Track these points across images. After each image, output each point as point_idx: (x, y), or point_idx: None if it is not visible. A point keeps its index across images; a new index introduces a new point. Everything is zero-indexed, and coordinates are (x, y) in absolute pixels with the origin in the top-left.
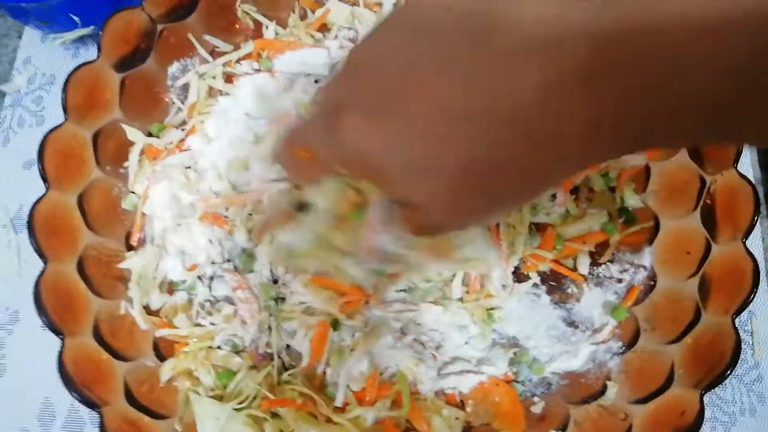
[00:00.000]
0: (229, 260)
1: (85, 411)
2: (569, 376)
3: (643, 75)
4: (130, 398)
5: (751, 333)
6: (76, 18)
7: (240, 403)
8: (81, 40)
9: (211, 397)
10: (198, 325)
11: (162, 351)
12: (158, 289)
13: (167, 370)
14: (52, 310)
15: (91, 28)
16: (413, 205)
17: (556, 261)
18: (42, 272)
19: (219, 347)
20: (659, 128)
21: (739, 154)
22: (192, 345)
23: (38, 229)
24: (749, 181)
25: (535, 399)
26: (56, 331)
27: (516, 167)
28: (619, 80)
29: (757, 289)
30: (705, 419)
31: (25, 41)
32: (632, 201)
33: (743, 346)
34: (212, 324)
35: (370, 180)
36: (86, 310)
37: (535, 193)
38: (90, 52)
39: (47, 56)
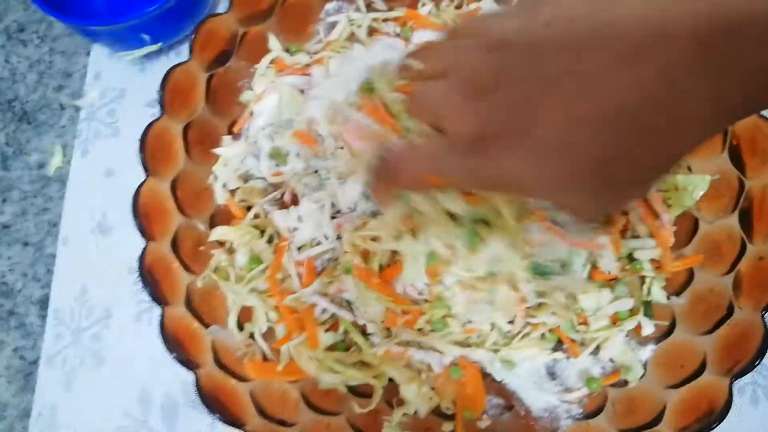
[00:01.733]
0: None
1: (178, 393)
2: (524, 413)
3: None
4: (218, 362)
5: None
6: (145, 36)
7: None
8: (146, 55)
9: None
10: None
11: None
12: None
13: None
14: (153, 284)
15: (159, 44)
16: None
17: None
18: (143, 252)
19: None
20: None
21: None
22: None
23: (141, 212)
24: None
25: (484, 416)
26: (158, 301)
27: (646, 156)
28: (727, 63)
29: None
30: None
31: (93, 58)
32: (658, 296)
33: None
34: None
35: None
36: (179, 283)
37: (664, 172)
38: (156, 66)
39: (116, 71)
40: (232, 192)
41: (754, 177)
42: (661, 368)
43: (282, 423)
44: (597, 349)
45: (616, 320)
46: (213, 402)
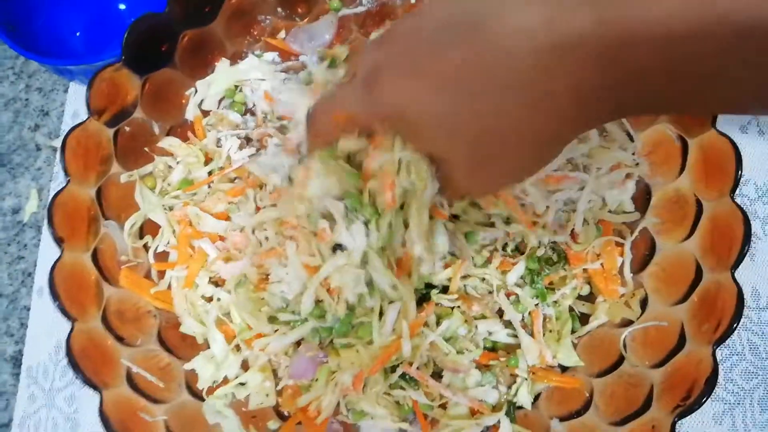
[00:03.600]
0: None
1: None
2: None
3: (624, 66)
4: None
5: None
6: None
7: None
8: None
9: None
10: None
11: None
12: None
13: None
14: (66, 296)
15: None
16: (440, 159)
17: None
18: (57, 260)
19: None
20: (639, 103)
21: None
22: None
23: (57, 220)
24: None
25: None
26: (67, 316)
27: (522, 128)
28: (600, 66)
29: (749, 241)
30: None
31: (71, 95)
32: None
33: None
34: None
35: (402, 135)
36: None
37: (540, 158)
38: None
39: None
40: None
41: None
42: None
43: None
44: None
45: (475, 411)
46: None
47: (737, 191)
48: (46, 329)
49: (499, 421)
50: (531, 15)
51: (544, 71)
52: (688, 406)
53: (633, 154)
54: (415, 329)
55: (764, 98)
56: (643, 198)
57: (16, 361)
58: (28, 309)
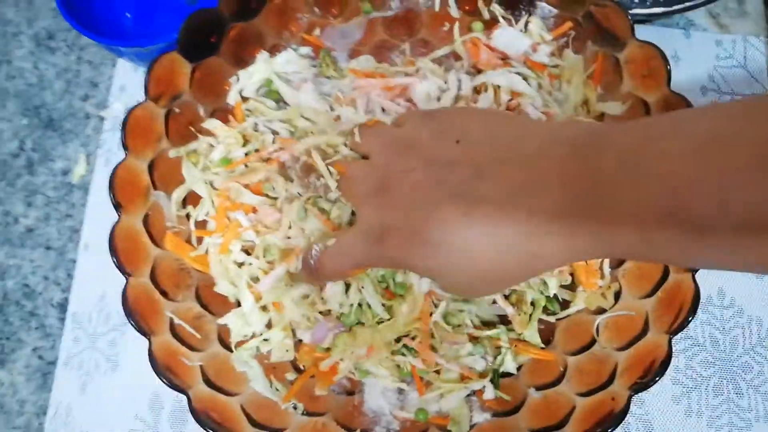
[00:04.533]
0: None
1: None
2: (357, 403)
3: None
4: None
5: None
6: None
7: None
8: None
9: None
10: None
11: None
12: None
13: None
14: (122, 254)
15: None
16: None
17: None
18: (116, 223)
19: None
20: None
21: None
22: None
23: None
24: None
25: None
26: (123, 271)
27: (509, 276)
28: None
29: None
30: (723, 424)
31: (119, 70)
32: (509, 366)
33: (761, 359)
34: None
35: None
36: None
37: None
38: None
39: (140, 85)
40: (244, 99)
41: None
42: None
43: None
44: (441, 396)
45: (465, 377)
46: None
47: None
48: (91, 281)
49: (484, 387)
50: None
51: (528, 241)
52: (643, 384)
53: None
54: (426, 320)
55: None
56: None
57: (62, 307)
58: (74, 262)
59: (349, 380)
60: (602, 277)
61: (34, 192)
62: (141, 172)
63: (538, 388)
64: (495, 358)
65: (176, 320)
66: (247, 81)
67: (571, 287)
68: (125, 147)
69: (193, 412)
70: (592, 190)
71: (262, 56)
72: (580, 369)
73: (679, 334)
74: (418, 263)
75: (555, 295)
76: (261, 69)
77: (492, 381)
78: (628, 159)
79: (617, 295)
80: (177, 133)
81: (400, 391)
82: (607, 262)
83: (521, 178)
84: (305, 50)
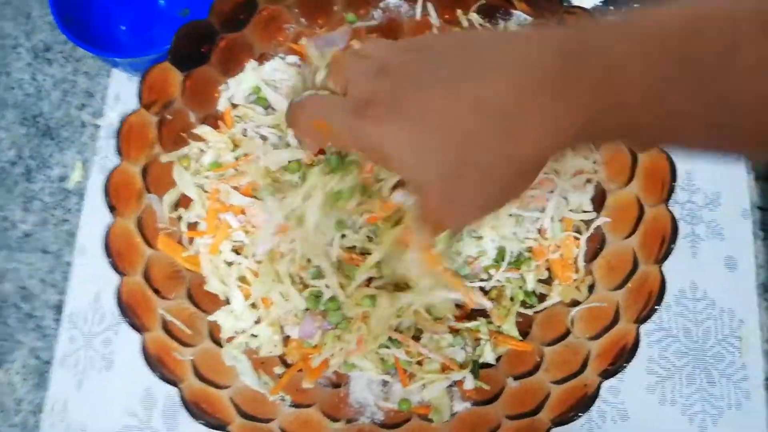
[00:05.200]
0: None
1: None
2: (343, 395)
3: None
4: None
5: (740, 339)
6: None
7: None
8: None
9: None
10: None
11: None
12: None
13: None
14: (117, 255)
15: None
16: (415, 191)
17: None
18: (111, 225)
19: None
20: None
21: None
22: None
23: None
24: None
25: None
26: (117, 270)
27: (495, 159)
28: (572, 90)
29: (676, 240)
30: (696, 412)
31: (114, 80)
32: (488, 357)
33: (732, 349)
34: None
35: (377, 163)
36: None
37: (515, 186)
38: None
39: (135, 93)
40: (234, 106)
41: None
42: None
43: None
44: (423, 386)
45: (446, 368)
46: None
47: (687, 198)
48: (86, 283)
49: (464, 377)
50: (509, 57)
51: (520, 105)
52: (612, 370)
53: (594, 162)
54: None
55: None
56: (599, 200)
57: (58, 308)
58: (70, 264)
59: (336, 373)
60: (577, 270)
61: (32, 198)
62: (135, 176)
63: (516, 378)
64: (475, 349)
65: (168, 317)
66: (236, 88)
67: (548, 281)
68: (119, 152)
69: (185, 403)
70: (579, 60)
71: (250, 65)
72: (556, 358)
73: (654, 325)
74: (391, 138)
75: (533, 290)
76: (249, 77)
77: (472, 371)
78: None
79: (591, 288)
80: (169, 139)
81: (385, 383)
82: (581, 256)
83: (507, 59)
84: (292, 59)
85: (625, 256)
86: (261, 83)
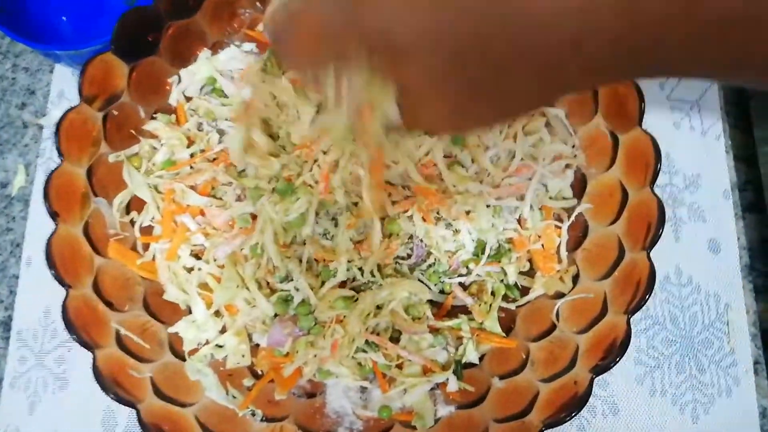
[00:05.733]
0: None
1: None
2: (319, 405)
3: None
4: (121, 344)
5: (727, 323)
6: None
7: None
8: None
9: None
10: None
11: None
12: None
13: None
14: (61, 265)
15: None
16: (420, 89)
17: None
18: (53, 233)
19: None
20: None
21: (641, 113)
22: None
23: (53, 197)
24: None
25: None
26: (62, 283)
27: (507, 62)
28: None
29: (663, 225)
30: (687, 402)
31: (57, 75)
32: (471, 356)
33: (720, 334)
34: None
35: (381, 57)
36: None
37: (538, 92)
38: None
39: None
40: (187, 99)
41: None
42: None
43: None
44: (404, 390)
45: (428, 370)
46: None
47: (667, 180)
48: (35, 296)
49: (447, 379)
50: None
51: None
52: (604, 365)
53: (573, 147)
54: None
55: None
56: (579, 186)
57: (6, 325)
58: (17, 277)
59: (310, 382)
60: (559, 261)
61: None
62: (78, 178)
63: (502, 377)
64: (457, 349)
65: (123, 331)
66: (189, 80)
67: (530, 273)
68: (60, 152)
69: (144, 426)
70: None
71: (203, 54)
72: (542, 355)
73: (640, 313)
74: (411, 23)
75: (515, 283)
76: (203, 67)
77: (455, 372)
78: None
79: (575, 279)
80: (116, 137)
81: (363, 389)
82: (564, 245)
83: None
84: (249, 46)
85: (610, 244)
86: (216, 73)
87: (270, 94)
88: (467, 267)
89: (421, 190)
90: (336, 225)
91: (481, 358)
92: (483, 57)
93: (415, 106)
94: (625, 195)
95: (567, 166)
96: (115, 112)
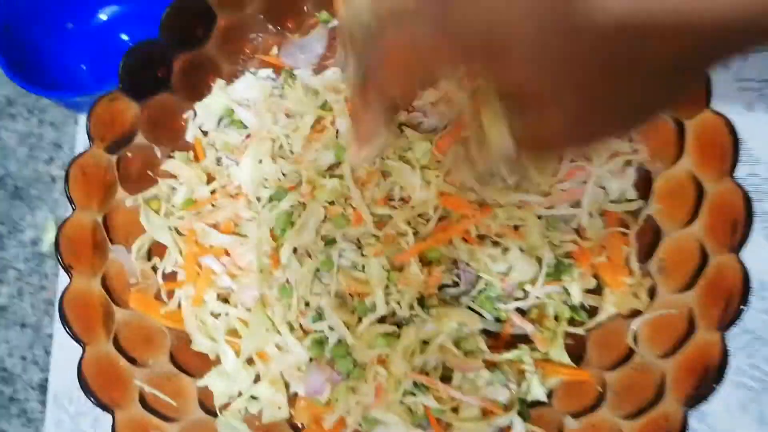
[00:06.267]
0: None
1: None
2: None
3: None
4: (144, 403)
5: None
6: None
7: None
8: None
9: None
10: None
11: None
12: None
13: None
14: (75, 321)
15: None
16: (534, 99)
17: None
18: (66, 288)
19: None
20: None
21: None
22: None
23: (64, 249)
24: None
25: None
26: (77, 340)
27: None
28: None
29: (752, 221)
30: None
31: (81, 126)
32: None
33: None
34: None
35: (488, 65)
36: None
37: (674, 85)
38: None
39: None
40: (204, 134)
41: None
42: None
43: None
44: None
45: (488, 412)
46: None
47: (748, 171)
48: (70, 355)
49: (512, 421)
50: None
51: None
52: (699, 395)
53: (630, 141)
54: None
55: None
56: (644, 185)
57: (43, 388)
58: (51, 336)
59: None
60: (630, 273)
61: (5, 267)
62: (92, 226)
63: (575, 415)
64: (519, 385)
65: (147, 389)
66: (205, 114)
67: (597, 291)
68: (71, 201)
69: None
70: None
71: (218, 85)
72: (621, 386)
73: (736, 328)
74: (517, 18)
75: (580, 303)
76: (218, 99)
77: (520, 413)
78: None
79: (652, 292)
80: (133, 179)
81: None
82: (633, 255)
83: None
84: (265, 72)
85: (689, 249)
86: (233, 104)
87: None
88: (523, 290)
89: (452, 202)
90: (362, 253)
91: (549, 395)
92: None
93: (528, 121)
94: (700, 190)
95: (627, 163)
96: (129, 154)
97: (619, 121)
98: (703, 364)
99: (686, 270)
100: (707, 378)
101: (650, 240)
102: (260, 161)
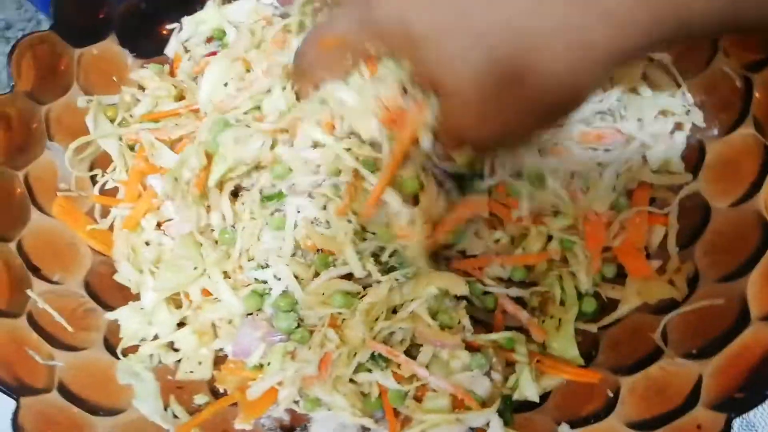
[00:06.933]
0: None
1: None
2: None
3: None
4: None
5: None
6: None
7: None
8: None
9: None
10: None
11: None
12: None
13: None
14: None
15: None
16: (444, 90)
17: None
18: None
19: None
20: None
21: None
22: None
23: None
24: None
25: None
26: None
27: (545, 59)
28: None
29: None
30: None
31: None
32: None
33: None
34: None
35: (404, 55)
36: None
37: (574, 88)
38: None
39: None
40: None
41: None
42: None
43: None
44: None
45: (459, 404)
46: None
47: None
48: None
49: (489, 421)
50: None
51: None
52: (744, 400)
53: (683, 104)
54: None
55: None
56: (694, 156)
57: None
58: None
59: (290, 412)
60: (666, 258)
61: None
62: (30, 110)
63: (574, 424)
64: (506, 378)
65: (40, 303)
66: (192, 30)
67: (618, 280)
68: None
69: (17, 428)
70: None
71: (212, 2)
72: (639, 389)
73: None
74: (427, 15)
75: (591, 292)
76: (211, 16)
77: (500, 412)
78: None
79: (693, 281)
80: (94, 81)
81: (365, 429)
82: (672, 236)
83: None
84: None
85: (746, 228)
86: (227, 24)
87: None
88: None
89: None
90: (324, 207)
91: (544, 396)
92: (514, 74)
93: (451, 112)
94: (765, 157)
95: (677, 126)
96: (95, 52)
97: (518, 121)
98: (749, 363)
99: (739, 254)
100: (755, 380)
101: (695, 221)
102: (225, 84)
